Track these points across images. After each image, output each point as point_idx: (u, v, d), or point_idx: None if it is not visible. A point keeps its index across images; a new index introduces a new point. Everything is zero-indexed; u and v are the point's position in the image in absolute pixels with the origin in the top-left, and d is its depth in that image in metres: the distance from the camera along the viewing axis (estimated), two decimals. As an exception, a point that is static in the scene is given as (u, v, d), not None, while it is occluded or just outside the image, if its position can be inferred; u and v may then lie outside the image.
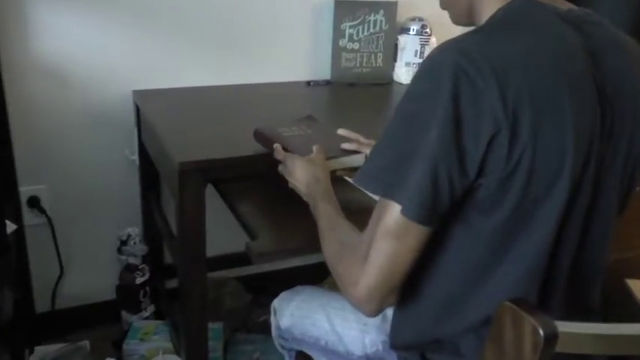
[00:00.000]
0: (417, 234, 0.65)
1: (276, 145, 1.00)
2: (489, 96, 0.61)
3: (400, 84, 1.70)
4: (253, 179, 1.14)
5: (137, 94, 1.41)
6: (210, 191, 1.12)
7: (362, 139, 1.02)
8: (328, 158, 0.96)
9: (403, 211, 0.64)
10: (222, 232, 1.48)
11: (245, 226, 1.00)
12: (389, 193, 0.65)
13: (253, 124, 1.14)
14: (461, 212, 0.65)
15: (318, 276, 1.53)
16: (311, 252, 0.92)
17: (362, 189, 0.68)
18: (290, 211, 1.01)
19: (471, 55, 0.61)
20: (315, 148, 0.97)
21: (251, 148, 1.11)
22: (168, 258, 1.60)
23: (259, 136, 1.07)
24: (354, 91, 1.57)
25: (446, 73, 0.61)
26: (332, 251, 0.74)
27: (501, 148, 0.61)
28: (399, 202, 0.64)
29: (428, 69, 0.64)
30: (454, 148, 0.62)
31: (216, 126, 1.25)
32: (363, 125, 1.18)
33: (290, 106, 1.41)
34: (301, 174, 0.92)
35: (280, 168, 0.97)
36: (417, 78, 0.65)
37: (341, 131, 1.05)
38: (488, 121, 0.61)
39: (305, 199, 0.92)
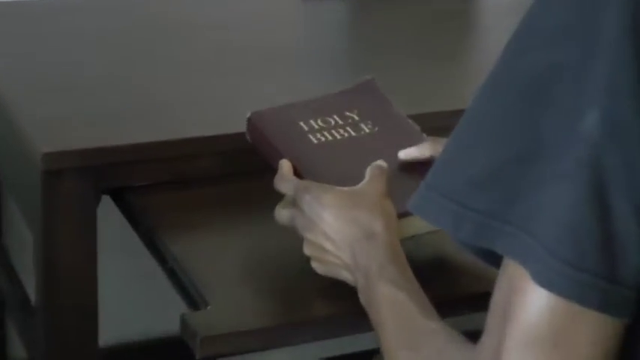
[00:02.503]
0: (589, 330, 0.63)
1: (283, 163, 0.99)
2: None
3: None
4: (196, 186, 1.13)
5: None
6: (106, 212, 1.12)
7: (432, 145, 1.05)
8: (402, 215, 0.93)
9: (536, 277, 0.63)
10: (134, 296, 1.49)
11: (180, 284, 0.99)
12: (488, 236, 0.65)
13: (193, 79, 1.18)
14: None
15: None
16: (313, 336, 0.95)
17: (426, 222, 0.71)
18: (270, 252, 1.02)
19: None
20: (370, 170, 0.96)
21: (189, 126, 1.12)
22: (17, 349, 1.58)
23: (255, 132, 1.05)
24: (393, 10, 1.56)
25: None
26: None
27: None
28: (520, 260, 0.64)
29: None
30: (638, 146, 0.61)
31: (118, 79, 1.26)
32: (414, 90, 1.18)
33: (267, 43, 1.41)
34: (334, 224, 0.92)
35: (282, 213, 0.97)
36: (543, 1, 0.65)
37: (403, 154, 1.05)
38: None
39: (344, 275, 0.92)
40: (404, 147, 1.04)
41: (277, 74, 1.35)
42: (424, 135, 1.07)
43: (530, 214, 0.63)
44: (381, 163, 0.97)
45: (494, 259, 0.67)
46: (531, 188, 0.63)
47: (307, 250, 0.95)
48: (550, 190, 0.62)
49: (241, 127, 1.06)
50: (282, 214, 0.97)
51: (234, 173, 1.12)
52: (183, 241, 1.05)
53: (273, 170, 1.00)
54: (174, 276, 1.00)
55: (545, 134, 0.63)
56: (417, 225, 0.95)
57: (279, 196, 0.98)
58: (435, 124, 1.10)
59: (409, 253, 0.91)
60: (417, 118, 1.11)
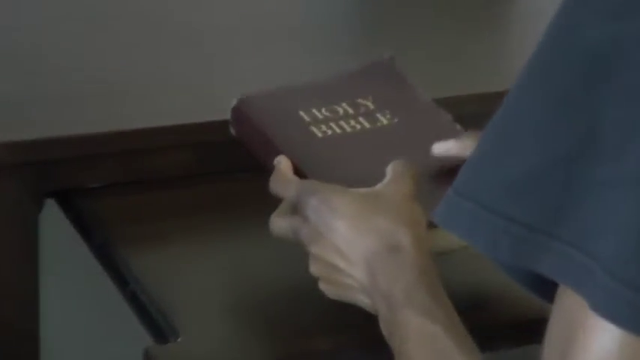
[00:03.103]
0: None
1: (281, 159, 0.97)
2: None
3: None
4: (164, 188, 1.11)
5: None
6: (51, 219, 1.11)
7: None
8: (433, 225, 0.90)
9: (597, 307, 0.62)
10: (85, 324, 1.46)
11: (143, 311, 0.97)
12: (532, 255, 0.65)
13: (162, 56, 1.18)
14: None
15: None
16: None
17: (453, 235, 0.70)
18: (258, 270, 1.01)
19: None
20: (392, 168, 0.94)
21: (156, 113, 1.11)
22: None
23: (243, 122, 1.03)
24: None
25: None
26: None
27: None
28: (575, 284, 0.64)
29: None
30: None
31: (67, 54, 1.25)
32: (438, 69, 1.21)
33: (256, 12, 1.39)
34: (348, 234, 0.91)
35: (279, 223, 0.96)
36: None
37: (439, 148, 1.04)
38: None
39: (359, 300, 0.91)
40: (434, 141, 1.01)
41: (268, 50, 1.32)
42: (459, 126, 1.04)
43: (587, 228, 0.62)
44: (404, 160, 0.95)
45: (542, 287, 0.66)
46: (588, 194, 0.62)
47: (314, 269, 0.92)
48: (612, 196, 0.61)
49: (220, 115, 1.04)
50: (279, 223, 0.94)
51: (212, 172, 1.10)
52: (148, 256, 1.02)
53: (261, 168, 0.97)
54: (137, 300, 0.98)
55: (606, 127, 0.62)
56: (453, 238, 0.91)
57: (270, 201, 0.95)
58: (463, 111, 1.09)
59: (440, 272, 0.89)
60: (442, 104, 1.08)
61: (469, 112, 1.07)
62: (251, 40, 1.33)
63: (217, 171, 1.11)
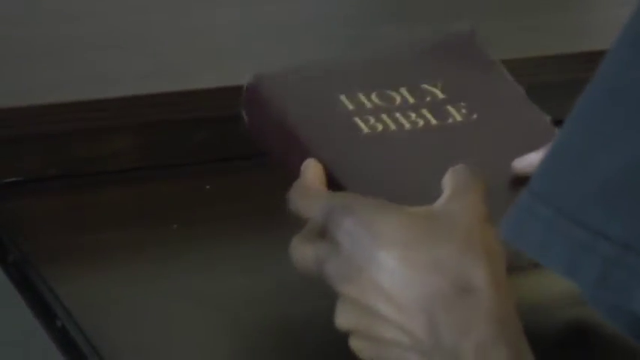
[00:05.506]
0: None
1: (309, 165, 0.89)
2: None
3: None
4: (105, 186, 1.03)
5: None
6: None
7: None
8: (513, 269, 0.82)
9: None
10: None
11: (75, 353, 0.89)
12: (625, 284, 0.60)
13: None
14: None
15: None
16: None
17: (524, 253, 0.65)
18: (238, 303, 0.91)
19: None
20: (452, 177, 0.85)
21: (96, 81, 1.06)
22: None
23: (258, 106, 0.94)
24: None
25: None
26: None
27: None
28: None
29: None
30: None
31: None
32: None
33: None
34: (397, 270, 0.82)
35: (303, 251, 0.86)
36: None
37: (522, 163, 0.95)
38: None
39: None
40: (521, 150, 0.90)
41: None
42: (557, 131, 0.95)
43: None
44: (468, 166, 0.85)
45: None
46: None
47: (344, 317, 0.79)
48: None
49: (187, 84, 1.00)
50: (304, 251, 0.82)
51: (171, 164, 1.01)
52: (82, 279, 0.93)
53: (240, 158, 0.96)
54: (66, 338, 0.89)
55: None
56: (549, 283, 0.85)
57: (255, 206, 0.94)
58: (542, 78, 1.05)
59: (527, 322, 0.78)
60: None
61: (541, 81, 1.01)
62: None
63: (178, 163, 1.02)
